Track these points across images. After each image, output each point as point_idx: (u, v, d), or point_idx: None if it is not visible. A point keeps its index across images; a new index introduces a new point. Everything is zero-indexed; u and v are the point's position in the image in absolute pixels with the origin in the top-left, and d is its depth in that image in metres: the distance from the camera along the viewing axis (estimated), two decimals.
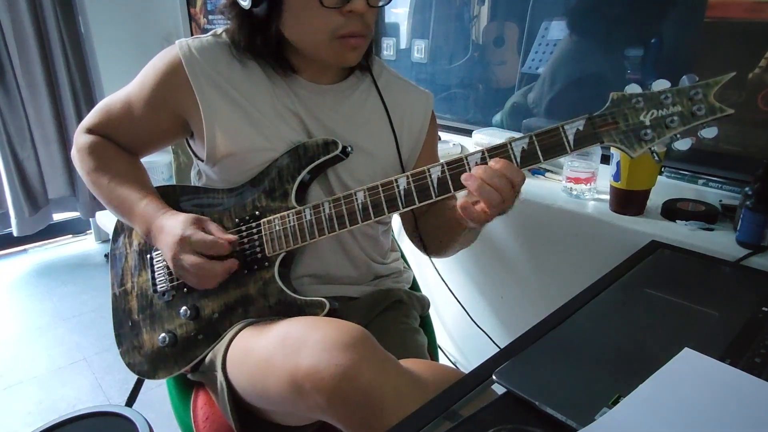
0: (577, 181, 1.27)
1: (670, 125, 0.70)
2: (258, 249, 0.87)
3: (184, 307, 0.90)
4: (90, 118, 0.97)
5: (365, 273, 1.00)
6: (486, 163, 0.74)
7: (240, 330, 0.84)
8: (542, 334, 0.68)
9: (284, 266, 0.88)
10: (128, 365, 0.95)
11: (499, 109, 1.71)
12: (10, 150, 2.50)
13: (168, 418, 1.00)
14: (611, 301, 0.77)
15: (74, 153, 0.97)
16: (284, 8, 0.81)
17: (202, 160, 0.91)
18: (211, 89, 0.87)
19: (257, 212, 0.88)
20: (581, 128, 0.73)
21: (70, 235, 3.02)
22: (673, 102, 0.70)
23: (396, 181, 0.79)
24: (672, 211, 1.14)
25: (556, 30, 1.51)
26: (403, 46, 1.97)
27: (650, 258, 0.91)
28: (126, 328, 0.96)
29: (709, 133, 0.71)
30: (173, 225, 0.84)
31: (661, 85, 0.72)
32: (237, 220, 0.89)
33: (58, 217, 2.83)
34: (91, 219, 2.83)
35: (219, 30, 0.92)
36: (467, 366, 1.68)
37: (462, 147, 1.68)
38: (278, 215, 0.86)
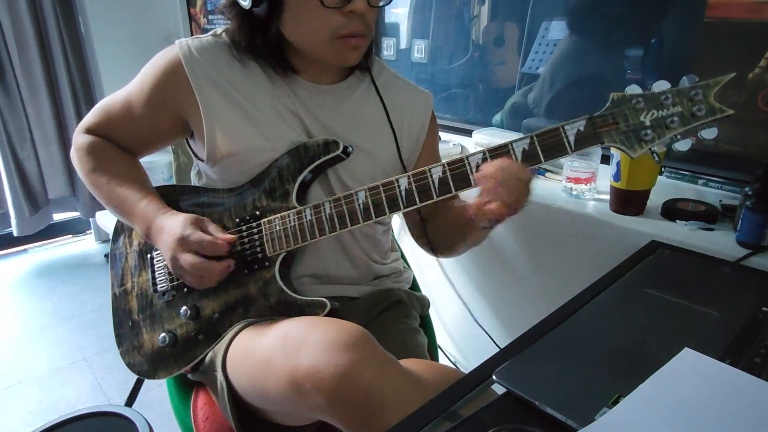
0: (577, 181, 1.27)
1: (670, 126, 0.70)
2: (258, 249, 0.87)
3: (184, 307, 0.90)
4: (89, 118, 0.97)
5: (365, 273, 1.00)
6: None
7: (240, 330, 0.84)
8: (542, 334, 0.68)
9: (284, 266, 0.88)
10: (128, 365, 0.95)
11: (499, 109, 1.71)
12: (10, 150, 2.50)
13: (168, 418, 1.00)
14: (611, 301, 0.77)
15: (73, 153, 0.97)
16: (284, 8, 0.81)
17: (202, 160, 0.91)
18: (211, 89, 0.87)
19: (258, 212, 0.88)
20: (582, 129, 0.73)
21: (70, 235, 3.02)
22: (674, 102, 0.70)
23: (397, 181, 0.79)
24: (672, 211, 1.15)
25: (556, 30, 1.51)
26: (403, 46, 1.97)
27: (650, 258, 0.91)
28: (126, 328, 0.96)
29: (709, 133, 0.71)
30: (173, 225, 0.84)
31: (661, 85, 0.72)
32: (237, 220, 0.89)
33: (58, 217, 2.83)
34: (91, 219, 2.83)
35: (219, 30, 0.92)
36: (467, 366, 1.68)
37: (462, 147, 1.68)
38: (279, 215, 0.86)
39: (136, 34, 2.60)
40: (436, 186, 0.77)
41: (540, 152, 0.74)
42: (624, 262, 0.89)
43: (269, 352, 0.74)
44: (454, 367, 1.62)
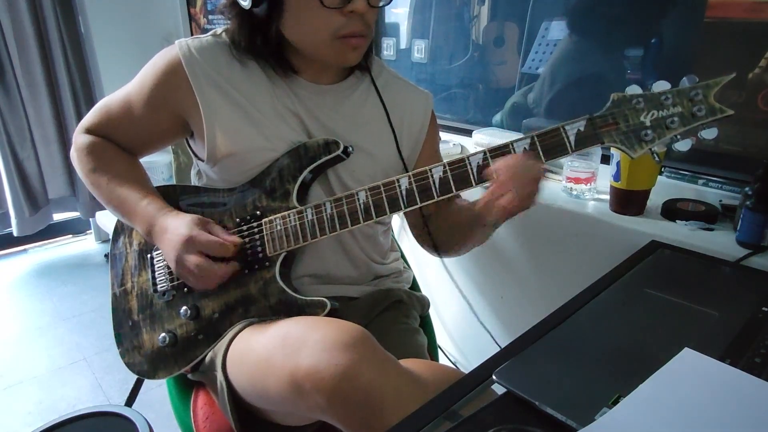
0: (577, 181, 1.27)
1: (670, 126, 0.70)
2: (259, 249, 0.87)
3: (184, 307, 0.90)
4: (89, 118, 0.97)
5: (365, 273, 1.00)
6: (488, 164, 0.74)
7: (240, 330, 0.84)
8: (542, 334, 0.68)
9: (285, 266, 0.88)
10: (128, 365, 0.95)
11: (499, 109, 1.71)
12: (10, 150, 2.50)
13: (168, 418, 1.00)
14: (611, 301, 0.77)
15: (73, 153, 0.97)
16: (284, 8, 0.81)
17: (203, 160, 0.91)
18: (211, 89, 0.87)
19: (258, 212, 0.88)
20: (582, 129, 0.73)
21: (70, 235, 3.02)
22: (674, 103, 0.70)
23: (398, 181, 0.79)
24: (672, 211, 1.15)
25: (556, 30, 1.51)
26: (403, 46, 1.97)
27: (650, 258, 0.91)
28: (126, 328, 0.96)
29: (709, 133, 0.71)
30: (178, 225, 0.84)
31: (661, 86, 0.72)
32: (238, 219, 0.89)
33: (58, 217, 2.83)
34: (91, 219, 2.83)
35: (219, 30, 0.92)
36: (467, 366, 1.68)
37: (462, 147, 1.68)
38: (280, 215, 0.86)
39: (136, 34, 2.60)
40: (437, 186, 0.77)
41: (540, 152, 0.74)
42: (624, 262, 0.89)
43: (269, 352, 0.74)
44: (454, 367, 1.62)
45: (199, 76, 0.86)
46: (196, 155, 0.96)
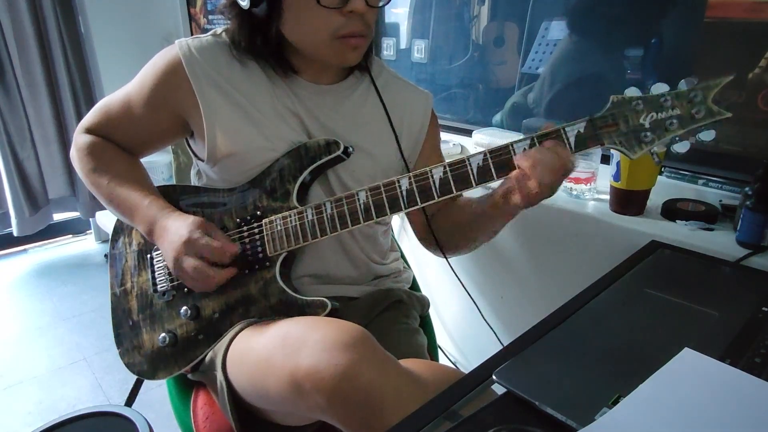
0: (577, 181, 1.27)
1: (669, 128, 0.70)
2: (259, 249, 0.87)
3: (184, 307, 0.90)
4: (89, 117, 0.97)
5: (365, 273, 1.00)
6: (489, 164, 0.74)
7: (240, 330, 0.84)
8: (542, 334, 0.68)
9: (285, 266, 0.88)
10: (128, 365, 0.95)
11: (499, 109, 1.71)
12: (10, 150, 2.50)
13: (168, 418, 1.00)
14: (611, 301, 0.77)
15: (73, 153, 0.97)
16: (284, 8, 0.81)
17: (203, 160, 0.91)
18: (211, 89, 0.87)
19: (258, 212, 0.88)
20: (582, 130, 0.73)
21: (70, 235, 3.02)
22: (673, 105, 0.70)
23: (398, 181, 0.79)
24: (672, 211, 1.15)
25: (556, 30, 1.51)
26: (403, 46, 1.97)
27: (650, 258, 0.91)
28: (126, 328, 0.96)
29: (707, 136, 0.71)
30: (179, 226, 0.84)
31: (660, 87, 0.72)
32: (238, 220, 0.89)
33: (58, 217, 2.83)
34: (91, 219, 2.83)
35: (219, 30, 0.92)
36: (467, 366, 1.68)
37: (462, 147, 1.68)
38: (280, 215, 0.86)
39: (136, 34, 2.60)
40: (437, 186, 0.77)
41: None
42: (624, 262, 0.89)
43: (269, 352, 0.74)
44: (454, 367, 1.62)
45: (199, 76, 0.86)
46: (196, 155, 0.96)
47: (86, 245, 2.96)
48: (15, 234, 2.63)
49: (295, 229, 0.84)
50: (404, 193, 0.79)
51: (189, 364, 0.89)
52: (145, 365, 0.93)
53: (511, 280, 1.44)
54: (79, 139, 0.96)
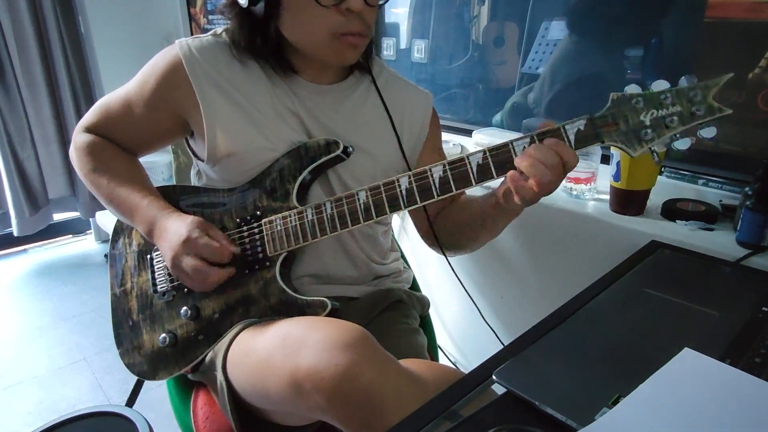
0: (577, 181, 1.27)
1: (669, 125, 0.70)
2: (259, 249, 0.87)
3: (184, 308, 0.90)
4: (88, 117, 0.97)
5: (365, 273, 1.00)
6: (489, 163, 0.74)
7: (241, 330, 0.84)
8: (542, 334, 0.68)
9: (285, 266, 0.88)
10: (128, 365, 0.95)
11: (499, 109, 1.71)
12: (10, 150, 2.50)
13: (168, 418, 1.00)
14: (611, 301, 0.77)
15: (72, 152, 0.97)
16: (283, 7, 0.81)
17: (203, 160, 0.91)
18: (211, 89, 0.87)
19: (258, 212, 0.88)
20: (582, 128, 0.73)
21: (70, 235, 3.02)
22: (673, 102, 0.70)
23: (398, 180, 0.79)
24: (672, 211, 1.14)
25: (556, 30, 1.51)
26: (403, 46, 1.97)
27: (650, 258, 0.91)
28: (126, 328, 0.96)
29: (709, 132, 0.72)
30: (178, 226, 0.84)
31: (660, 85, 0.72)
32: (238, 220, 0.89)
33: (58, 217, 2.83)
34: (91, 219, 2.83)
35: (219, 30, 0.92)
36: (467, 366, 1.68)
37: (462, 147, 1.68)
38: (280, 215, 0.86)
39: (136, 34, 2.60)
40: (437, 185, 0.77)
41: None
42: (624, 262, 0.89)
43: (269, 352, 0.74)
44: (454, 367, 1.62)
45: (199, 76, 0.86)
46: (196, 155, 0.96)
47: (86, 245, 2.96)
48: (15, 234, 2.63)
49: (295, 229, 0.84)
50: (404, 192, 0.79)
51: (189, 364, 0.89)
52: (146, 365, 0.93)
53: (511, 280, 1.44)
54: (79, 138, 0.96)
